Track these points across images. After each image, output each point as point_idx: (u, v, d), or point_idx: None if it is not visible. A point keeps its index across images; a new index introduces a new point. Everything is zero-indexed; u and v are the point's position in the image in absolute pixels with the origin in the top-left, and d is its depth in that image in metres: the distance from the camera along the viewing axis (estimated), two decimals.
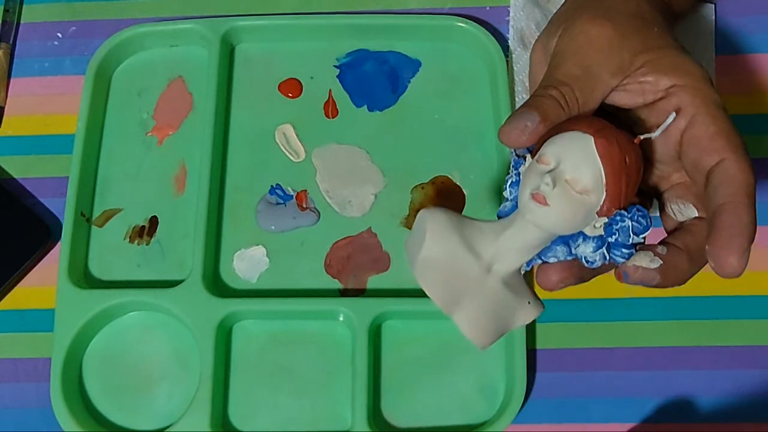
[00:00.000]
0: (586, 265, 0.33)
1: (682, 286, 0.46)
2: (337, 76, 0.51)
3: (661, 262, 0.33)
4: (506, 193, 0.35)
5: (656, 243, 0.34)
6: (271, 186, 0.48)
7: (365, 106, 0.50)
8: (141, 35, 0.51)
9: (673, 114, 0.33)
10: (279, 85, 0.51)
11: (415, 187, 0.48)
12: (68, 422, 0.43)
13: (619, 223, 0.32)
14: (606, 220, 0.32)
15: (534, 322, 0.45)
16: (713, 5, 0.50)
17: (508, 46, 0.50)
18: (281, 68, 0.51)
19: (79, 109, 0.49)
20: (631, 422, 0.44)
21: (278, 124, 0.50)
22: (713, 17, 0.50)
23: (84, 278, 0.47)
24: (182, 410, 0.44)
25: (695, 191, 0.34)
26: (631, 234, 0.32)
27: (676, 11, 0.40)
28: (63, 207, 0.47)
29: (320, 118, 0.50)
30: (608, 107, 0.35)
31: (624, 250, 0.32)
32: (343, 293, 0.46)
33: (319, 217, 0.48)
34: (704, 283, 0.46)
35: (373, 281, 0.46)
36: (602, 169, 0.31)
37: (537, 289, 0.37)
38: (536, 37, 0.50)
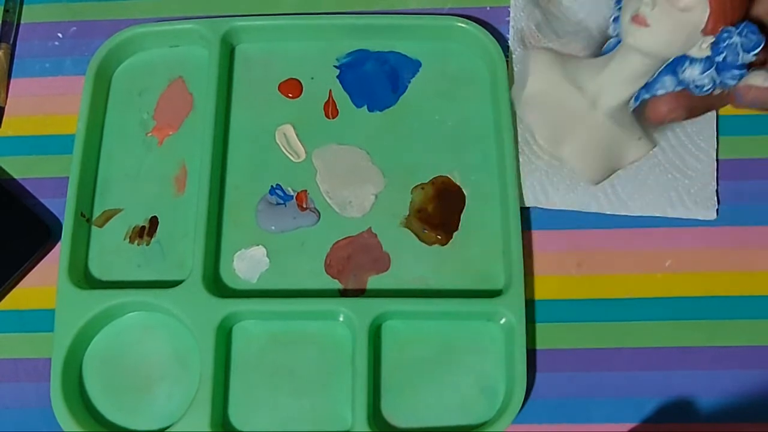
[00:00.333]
0: (695, 92, 0.31)
1: (683, 285, 0.46)
2: (337, 76, 0.51)
3: None
4: (610, 30, 0.33)
5: None
6: (271, 186, 0.49)
7: (365, 107, 0.50)
8: (141, 35, 0.51)
9: None
10: (279, 85, 0.51)
11: (415, 187, 0.48)
12: (68, 422, 0.43)
13: (726, 41, 0.30)
14: (712, 38, 0.30)
15: (534, 322, 0.45)
16: None
17: (508, 46, 0.50)
18: (281, 68, 0.51)
19: (80, 110, 0.49)
20: (631, 422, 0.44)
21: (278, 124, 0.50)
22: None
23: (84, 278, 0.47)
24: (182, 410, 0.44)
25: None
26: (741, 52, 0.30)
27: None
28: (63, 207, 0.47)
29: (320, 118, 0.50)
30: None
31: (735, 71, 0.31)
32: (343, 293, 0.46)
33: (319, 218, 0.48)
34: (704, 283, 0.46)
35: (373, 281, 0.46)
36: None
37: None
38: (536, 37, 0.50)
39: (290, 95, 0.51)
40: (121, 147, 0.50)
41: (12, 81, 0.52)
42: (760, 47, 0.30)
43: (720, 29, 0.30)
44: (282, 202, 0.48)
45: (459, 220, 0.47)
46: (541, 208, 0.47)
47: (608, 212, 0.47)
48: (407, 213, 0.48)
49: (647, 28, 0.30)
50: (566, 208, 0.47)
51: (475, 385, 0.44)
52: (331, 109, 0.50)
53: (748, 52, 0.30)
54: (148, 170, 0.49)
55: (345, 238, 0.47)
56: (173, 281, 0.45)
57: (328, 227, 0.47)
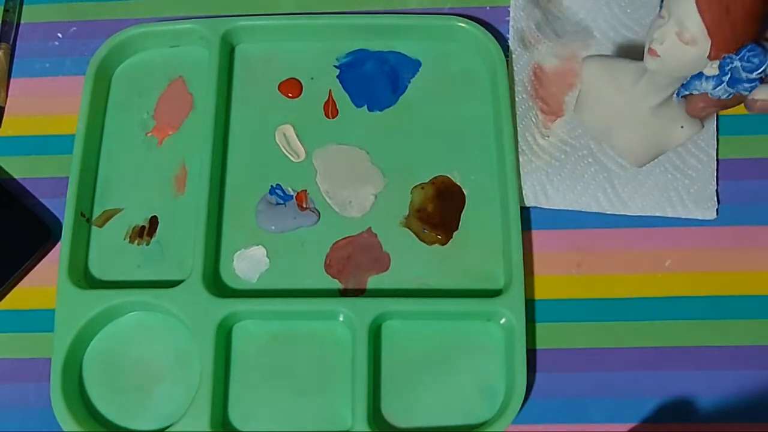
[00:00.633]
0: (716, 97, 0.37)
1: (683, 285, 0.46)
2: (337, 76, 0.51)
3: None
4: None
5: None
6: (271, 186, 0.49)
7: (365, 106, 0.50)
8: (141, 35, 0.51)
9: None
10: (279, 85, 0.51)
11: (415, 187, 0.48)
12: (68, 422, 0.43)
13: (729, 65, 0.35)
14: (718, 62, 0.36)
15: (534, 322, 0.45)
16: None
17: (508, 46, 0.50)
18: (281, 68, 0.51)
19: (80, 110, 0.49)
20: (631, 422, 0.44)
21: (278, 124, 0.50)
22: None
23: (84, 278, 0.47)
24: (182, 410, 0.44)
25: None
26: (743, 73, 0.35)
27: None
28: (63, 207, 0.47)
29: (320, 118, 0.50)
30: None
31: (745, 84, 0.36)
32: (343, 293, 0.46)
33: (319, 218, 0.48)
34: (704, 282, 0.46)
35: (373, 281, 0.46)
36: (702, 22, 0.34)
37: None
38: (536, 37, 0.50)
39: (290, 95, 0.51)
40: (121, 147, 0.50)
41: (12, 81, 0.52)
42: (763, 68, 0.35)
43: (722, 56, 0.35)
44: (282, 202, 0.48)
45: (459, 219, 0.47)
46: (541, 208, 0.48)
47: (608, 212, 0.47)
48: (407, 213, 0.48)
49: (658, 58, 0.36)
50: (566, 208, 0.47)
51: (475, 385, 0.44)
52: (331, 109, 0.50)
53: (751, 73, 0.35)
54: (148, 170, 0.49)
55: (345, 238, 0.47)
56: (173, 281, 0.45)
57: (328, 227, 0.47)
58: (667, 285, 0.46)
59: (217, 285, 0.46)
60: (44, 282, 0.47)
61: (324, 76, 0.51)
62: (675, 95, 0.40)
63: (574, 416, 0.44)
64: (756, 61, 0.35)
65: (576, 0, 0.51)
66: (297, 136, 0.50)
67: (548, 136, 0.48)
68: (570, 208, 0.47)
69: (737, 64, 0.35)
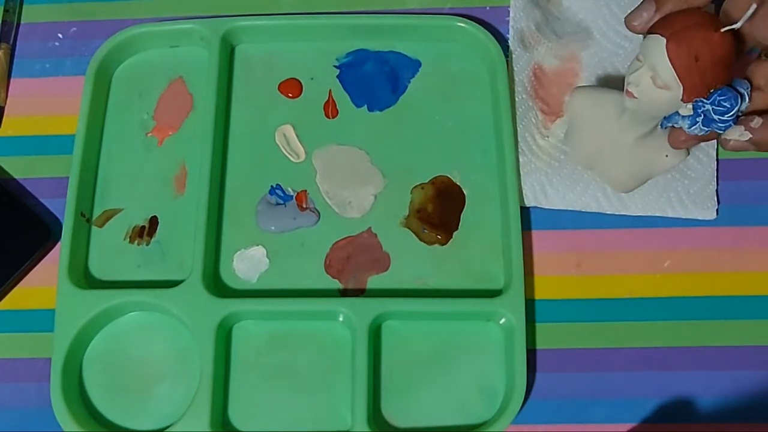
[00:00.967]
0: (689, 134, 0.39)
1: (683, 285, 0.46)
2: (337, 76, 0.51)
3: (751, 135, 0.38)
4: None
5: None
6: (271, 186, 0.49)
7: (365, 107, 0.50)
8: (141, 35, 0.51)
9: (754, 5, 0.35)
10: (279, 85, 0.51)
11: (415, 187, 0.48)
12: (68, 422, 0.43)
13: (702, 108, 0.37)
14: (692, 104, 0.37)
15: (534, 322, 0.45)
16: None
17: (508, 46, 0.50)
18: (281, 68, 0.51)
19: (80, 110, 0.49)
20: (631, 423, 0.44)
21: (278, 124, 0.50)
22: None
23: (84, 278, 0.47)
24: (182, 410, 0.44)
25: None
26: (715, 116, 0.37)
27: None
28: (63, 207, 0.47)
29: (320, 118, 0.50)
30: None
31: (720, 124, 0.37)
32: (343, 293, 0.46)
33: (319, 218, 0.48)
34: (704, 283, 0.46)
35: (373, 281, 0.46)
36: (673, 69, 0.36)
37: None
38: (536, 37, 0.50)
39: (290, 95, 0.51)
40: (121, 147, 0.50)
41: (12, 81, 0.52)
42: (733, 111, 0.37)
43: (694, 100, 0.37)
44: (282, 202, 0.48)
45: (459, 219, 0.47)
46: (541, 208, 0.48)
47: (608, 212, 0.47)
48: (407, 213, 0.48)
49: (635, 99, 0.38)
50: (566, 208, 0.47)
51: (475, 385, 0.44)
52: (331, 109, 0.50)
53: (723, 115, 0.37)
54: (148, 170, 0.49)
55: (345, 238, 0.47)
56: (173, 281, 0.45)
57: (327, 227, 0.47)
58: (666, 285, 0.46)
59: (217, 285, 0.46)
60: (44, 282, 0.47)
61: (324, 76, 0.51)
62: (659, 125, 0.41)
63: (574, 416, 0.44)
64: (726, 104, 0.37)
65: (576, 0, 0.51)
66: (297, 136, 0.50)
67: (548, 137, 0.48)
68: (570, 208, 0.47)
69: (708, 107, 0.37)
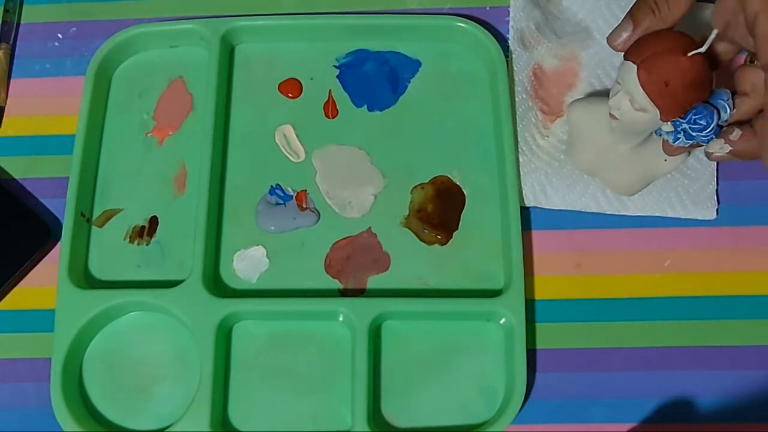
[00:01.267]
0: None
1: (683, 285, 0.46)
2: (337, 77, 0.51)
3: (731, 147, 0.39)
4: None
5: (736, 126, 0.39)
6: (271, 186, 0.49)
7: (365, 107, 0.50)
8: (141, 35, 0.51)
9: (715, 31, 0.37)
10: (279, 85, 0.51)
11: (415, 187, 0.48)
12: (68, 422, 0.43)
13: (680, 126, 0.39)
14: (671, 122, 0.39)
15: (534, 322, 0.45)
16: None
17: (508, 46, 0.50)
18: (281, 68, 0.51)
19: (80, 110, 0.49)
20: (631, 423, 0.44)
21: (278, 124, 0.50)
22: None
23: (84, 278, 0.47)
24: (182, 410, 0.44)
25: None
26: (693, 133, 0.39)
27: None
28: (63, 207, 0.47)
29: (320, 118, 0.50)
30: None
31: (702, 138, 0.39)
32: (343, 293, 0.46)
33: (319, 218, 0.48)
34: (703, 283, 0.46)
35: (373, 281, 0.46)
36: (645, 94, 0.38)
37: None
38: (536, 37, 0.50)
39: (290, 95, 0.51)
40: (121, 147, 0.50)
41: (12, 81, 0.52)
42: (711, 127, 0.38)
43: (671, 119, 0.39)
44: (282, 202, 0.48)
45: (459, 219, 0.47)
46: (541, 208, 0.48)
47: (608, 212, 0.47)
48: (407, 213, 0.48)
49: (618, 120, 0.40)
50: (566, 208, 0.47)
51: (475, 385, 0.44)
52: (330, 109, 0.50)
53: (700, 132, 0.38)
54: (148, 170, 0.49)
55: (345, 238, 0.47)
56: (173, 281, 0.45)
57: (327, 227, 0.47)
58: (666, 285, 0.46)
59: (216, 285, 0.46)
60: (44, 282, 0.47)
61: (324, 76, 0.51)
62: (654, 133, 0.42)
63: (574, 416, 0.44)
64: (702, 122, 0.38)
65: (576, 0, 0.51)
66: (297, 136, 0.50)
67: (548, 136, 0.48)
68: (570, 208, 0.47)
69: (685, 126, 0.39)
